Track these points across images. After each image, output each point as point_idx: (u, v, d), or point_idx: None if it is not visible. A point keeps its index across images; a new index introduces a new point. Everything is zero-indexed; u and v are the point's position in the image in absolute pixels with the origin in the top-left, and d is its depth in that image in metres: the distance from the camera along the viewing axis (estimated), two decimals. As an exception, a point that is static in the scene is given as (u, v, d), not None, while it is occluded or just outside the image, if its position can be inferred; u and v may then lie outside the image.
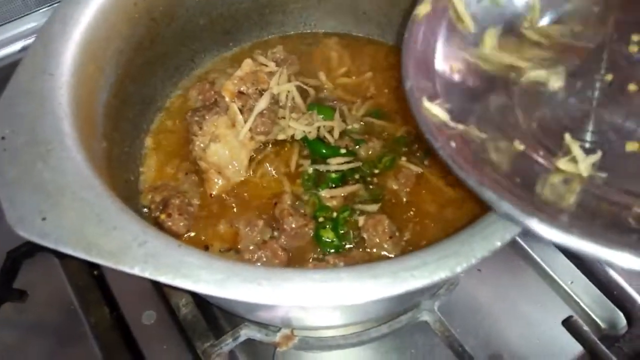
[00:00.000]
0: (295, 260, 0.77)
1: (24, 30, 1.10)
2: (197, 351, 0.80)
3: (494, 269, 0.93)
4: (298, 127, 0.86)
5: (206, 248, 0.79)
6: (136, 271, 0.51)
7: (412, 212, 0.80)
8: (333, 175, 0.84)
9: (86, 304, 0.91)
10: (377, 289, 0.51)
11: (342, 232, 0.78)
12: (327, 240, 0.78)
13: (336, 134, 0.87)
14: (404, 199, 0.82)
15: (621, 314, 0.86)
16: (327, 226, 0.79)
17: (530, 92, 0.67)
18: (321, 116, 0.88)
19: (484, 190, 0.53)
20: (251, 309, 0.74)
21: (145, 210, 0.82)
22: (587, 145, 0.60)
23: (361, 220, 0.78)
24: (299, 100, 0.90)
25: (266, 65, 0.92)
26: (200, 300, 0.85)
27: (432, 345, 0.85)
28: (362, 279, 0.51)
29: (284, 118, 0.87)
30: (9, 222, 0.54)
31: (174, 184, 0.85)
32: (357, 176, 0.84)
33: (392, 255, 0.76)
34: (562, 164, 0.58)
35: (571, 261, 0.91)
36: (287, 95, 0.89)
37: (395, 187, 0.83)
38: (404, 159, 0.85)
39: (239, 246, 0.77)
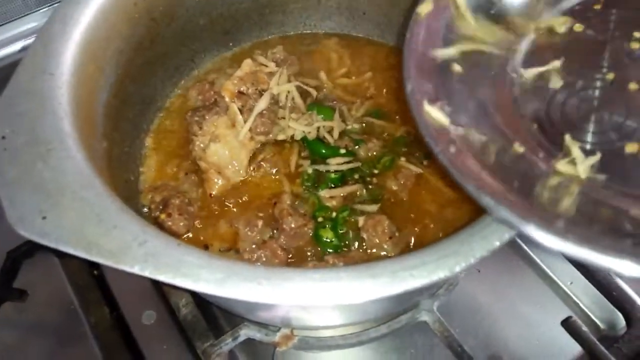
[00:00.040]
0: (294, 260, 0.77)
1: (24, 30, 1.10)
2: (197, 351, 0.80)
3: (494, 270, 0.93)
4: (298, 127, 0.87)
5: (206, 248, 0.79)
6: (136, 270, 0.51)
7: (411, 212, 0.80)
8: (333, 175, 0.84)
9: (86, 304, 0.91)
10: (376, 289, 0.51)
11: (341, 232, 0.79)
12: (327, 240, 0.78)
13: (336, 134, 0.87)
14: (404, 199, 0.82)
15: (620, 315, 0.86)
16: (327, 226, 0.79)
17: (530, 93, 0.67)
18: (321, 116, 0.89)
19: (481, 196, 0.53)
20: (251, 308, 0.74)
21: (146, 210, 0.82)
22: (588, 146, 0.60)
23: (361, 221, 0.78)
24: (298, 100, 0.90)
25: (266, 66, 0.92)
26: (200, 300, 0.85)
27: (431, 346, 0.85)
28: (361, 279, 0.51)
29: (283, 118, 0.87)
30: (9, 221, 0.54)
31: (174, 183, 0.85)
32: (356, 176, 0.84)
33: (392, 256, 0.76)
34: (561, 165, 0.58)
35: (570, 262, 0.91)
36: (287, 96, 0.89)
37: (394, 187, 0.83)
38: (403, 159, 0.85)
39: (238, 246, 0.77)
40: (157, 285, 0.89)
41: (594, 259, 0.47)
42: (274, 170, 0.86)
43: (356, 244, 0.78)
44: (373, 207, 0.80)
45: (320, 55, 1.02)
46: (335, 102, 0.93)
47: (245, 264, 0.54)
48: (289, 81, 0.91)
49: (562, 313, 0.86)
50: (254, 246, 0.77)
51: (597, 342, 0.78)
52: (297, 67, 0.98)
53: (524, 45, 0.71)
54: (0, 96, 0.64)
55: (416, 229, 0.79)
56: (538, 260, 0.94)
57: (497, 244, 0.54)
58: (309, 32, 1.08)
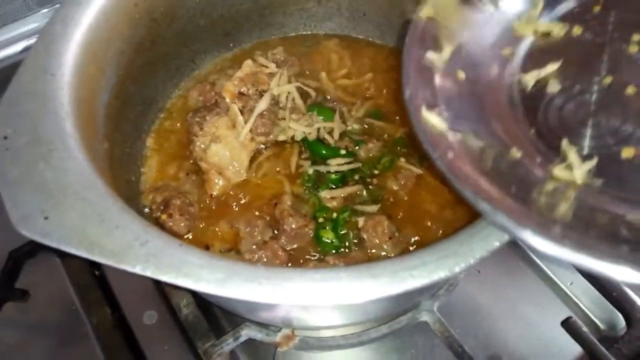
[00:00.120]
0: (295, 260, 0.77)
1: (26, 30, 1.11)
2: (198, 351, 0.80)
3: (494, 270, 0.93)
4: (298, 128, 0.87)
5: (207, 248, 0.79)
6: (138, 270, 0.51)
7: (411, 213, 0.81)
8: (333, 176, 0.84)
9: (88, 304, 0.91)
10: (376, 289, 0.51)
11: (342, 232, 0.79)
12: (327, 240, 0.78)
13: (336, 135, 0.87)
14: (404, 200, 0.82)
15: (620, 315, 0.87)
16: (327, 227, 0.79)
17: (528, 98, 0.67)
18: (321, 117, 0.89)
19: (479, 202, 0.53)
20: (252, 308, 0.74)
21: (147, 210, 0.82)
22: (585, 151, 0.60)
23: (361, 221, 0.79)
24: (299, 101, 0.90)
25: (266, 67, 0.92)
26: (201, 301, 0.86)
27: (432, 346, 0.85)
28: (362, 279, 0.52)
29: (284, 119, 0.88)
30: (11, 221, 0.54)
31: (175, 184, 0.85)
32: (356, 177, 0.84)
33: (392, 256, 0.76)
34: (558, 171, 0.58)
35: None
36: (287, 97, 0.90)
37: (394, 187, 0.83)
38: (403, 160, 0.85)
39: (239, 246, 0.77)
40: (159, 285, 0.90)
41: (590, 265, 0.47)
42: (274, 171, 0.86)
43: (356, 244, 0.78)
44: (373, 208, 0.81)
45: (321, 56, 1.03)
46: (335, 103, 0.93)
47: (246, 264, 0.54)
48: (290, 82, 0.91)
49: (562, 313, 0.86)
50: (254, 247, 0.77)
51: (597, 343, 0.78)
52: (297, 68, 0.98)
53: (522, 49, 0.71)
54: (2, 96, 0.64)
55: (416, 229, 0.79)
56: (538, 261, 0.94)
57: (497, 244, 0.54)
58: (309, 33, 1.08)
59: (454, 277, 0.87)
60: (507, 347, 0.86)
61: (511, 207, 0.53)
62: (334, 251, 0.78)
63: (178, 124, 0.93)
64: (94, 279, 0.95)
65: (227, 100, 0.87)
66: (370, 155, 0.86)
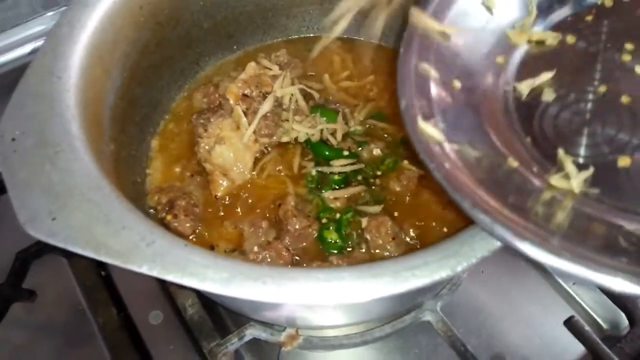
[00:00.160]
0: (299, 260, 0.78)
1: (33, 33, 1.11)
2: (204, 351, 0.81)
3: (496, 270, 0.93)
4: (301, 129, 0.87)
5: (211, 248, 0.80)
6: (144, 270, 0.52)
7: (414, 213, 0.81)
8: (336, 177, 0.84)
9: (94, 305, 0.92)
10: (379, 288, 0.52)
11: (345, 233, 0.79)
12: (331, 241, 0.78)
13: (339, 136, 0.88)
14: (406, 200, 0.83)
15: (623, 315, 0.87)
16: (331, 227, 0.79)
17: (523, 107, 0.67)
18: (324, 119, 0.89)
19: (476, 213, 0.53)
20: (256, 308, 0.75)
21: (152, 211, 0.83)
22: (581, 160, 0.60)
23: (364, 222, 0.79)
24: (302, 103, 0.91)
25: (270, 69, 0.93)
26: (206, 301, 0.86)
27: (435, 346, 0.86)
28: (364, 278, 0.52)
29: (287, 121, 0.88)
30: (19, 222, 0.55)
31: (179, 185, 0.86)
32: (359, 178, 0.85)
33: (395, 256, 0.77)
34: (555, 180, 0.58)
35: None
36: (290, 98, 0.90)
37: (397, 188, 0.83)
38: (405, 161, 0.86)
39: (243, 247, 0.78)
40: (164, 285, 0.90)
41: (589, 276, 0.47)
42: (278, 172, 0.87)
43: (360, 244, 0.79)
44: (376, 208, 0.81)
45: (323, 59, 1.03)
46: (338, 104, 0.94)
47: (251, 264, 0.55)
48: (293, 84, 0.92)
49: (564, 313, 0.86)
50: (258, 247, 0.77)
51: (600, 342, 0.78)
52: (300, 70, 0.99)
53: (516, 58, 0.71)
54: (10, 99, 0.65)
55: (419, 229, 0.79)
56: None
57: (498, 244, 0.54)
58: (312, 35, 1.09)
59: (457, 276, 0.88)
60: (509, 347, 0.86)
61: (509, 218, 0.53)
62: (337, 251, 0.78)
63: (182, 126, 0.94)
64: (100, 280, 0.95)
65: (231, 102, 0.87)
66: (373, 156, 0.87)
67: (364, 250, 0.78)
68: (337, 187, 0.84)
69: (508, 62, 0.71)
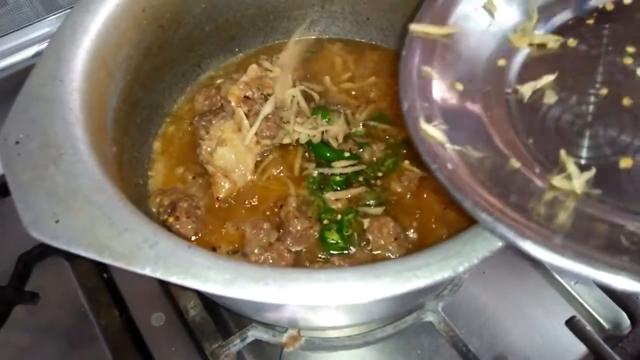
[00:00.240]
0: (300, 261, 0.78)
1: (36, 36, 1.11)
2: (206, 352, 0.81)
3: (498, 270, 0.94)
4: (303, 131, 0.88)
5: (213, 250, 0.80)
6: (147, 272, 0.52)
7: (415, 214, 0.81)
8: (337, 178, 0.85)
9: (96, 306, 0.92)
10: (380, 289, 0.52)
11: (346, 234, 0.79)
12: (332, 242, 0.79)
13: (340, 137, 0.88)
14: (408, 201, 0.83)
15: (625, 315, 0.87)
16: (332, 228, 0.79)
17: (525, 109, 0.67)
18: (325, 120, 0.90)
19: (479, 213, 0.53)
20: (258, 309, 0.75)
21: (154, 213, 0.83)
22: (583, 161, 0.61)
23: (366, 223, 0.79)
24: (303, 104, 0.91)
25: (271, 71, 0.93)
26: (208, 302, 0.86)
27: (437, 346, 0.86)
28: (366, 279, 0.52)
29: (288, 122, 0.89)
30: (23, 224, 0.55)
31: (181, 187, 0.86)
32: (361, 179, 0.85)
33: (396, 257, 0.77)
34: (557, 181, 0.58)
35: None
36: (292, 100, 0.91)
37: (399, 189, 0.84)
38: (406, 161, 0.86)
39: (245, 248, 0.78)
40: (166, 287, 0.91)
41: (591, 274, 0.48)
42: (279, 174, 0.87)
43: (362, 245, 0.79)
44: (378, 210, 0.81)
45: (325, 60, 1.03)
46: (339, 106, 0.94)
47: (253, 265, 0.55)
48: (294, 86, 0.92)
49: (566, 313, 0.86)
50: (260, 248, 0.78)
51: (602, 342, 0.79)
52: (301, 71, 0.99)
53: (518, 61, 0.72)
54: (14, 102, 0.65)
55: (420, 230, 0.80)
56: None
57: (500, 244, 0.54)
58: (313, 37, 1.09)
59: (459, 277, 0.88)
60: (511, 347, 0.86)
61: (511, 217, 0.53)
62: (339, 252, 0.78)
63: (184, 128, 0.94)
64: (102, 282, 0.95)
65: (233, 104, 0.88)
66: (374, 157, 0.87)
67: (365, 251, 0.79)
68: (338, 188, 0.84)
69: (510, 65, 0.71)
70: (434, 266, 0.53)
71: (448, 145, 0.61)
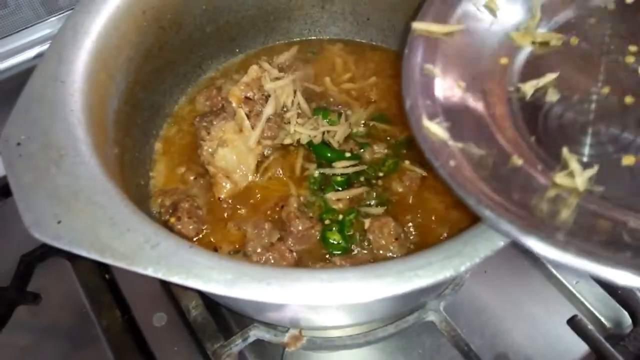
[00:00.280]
0: (302, 261, 0.78)
1: (37, 37, 1.12)
2: (207, 352, 0.81)
3: (499, 270, 0.94)
4: (304, 131, 0.88)
5: (215, 250, 0.80)
6: (149, 272, 0.52)
7: (417, 214, 0.81)
8: (338, 178, 0.85)
9: (98, 307, 0.92)
10: (382, 288, 0.52)
11: (348, 234, 0.80)
12: (334, 242, 0.79)
13: (341, 137, 0.88)
14: (409, 201, 0.83)
15: (626, 313, 0.87)
16: (334, 228, 0.80)
17: (528, 107, 0.67)
18: (326, 120, 0.90)
19: (482, 209, 0.53)
20: (260, 309, 0.75)
21: (155, 213, 0.83)
22: (585, 159, 0.61)
23: (367, 223, 0.79)
24: (304, 105, 0.91)
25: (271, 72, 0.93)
26: (209, 303, 0.86)
27: (438, 346, 0.86)
28: (368, 279, 0.52)
29: (289, 123, 0.89)
30: (25, 225, 0.55)
31: (183, 188, 0.86)
32: (362, 179, 0.85)
33: (398, 256, 0.77)
34: (559, 178, 0.58)
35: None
36: (292, 101, 0.91)
37: (400, 189, 0.84)
38: (407, 161, 0.86)
39: (247, 248, 0.78)
40: (168, 287, 0.91)
41: (593, 270, 0.48)
42: (280, 174, 0.87)
43: (363, 245, 0.79)
44: (379, 209, 0.81)
45: (325, 61, 1.04)
46: (340, 106, 0.94)
47: (255, 265, 0.55)
48: (295, 87, 0.92)
49: (568, 312, 0.87)
50: (261, 248, 0.78)
51: (603, 341, 0.79)
52: (302, 72, 0.99)
53: (520, 59, 0.72)
54: (15, 103, 0.65)
55: (422, 230, 0.80)
56: (543, 260, 0.95)
57: (502, 244, 0.54)
58: (313, 38, 1.09)
59: (460, 276, 0.88)
60: (513, 346, 0.86)
61: (514, 213, 0.53)
62: (340, 252, 0.79)
63: (185, 129, 0.95)
64: (104, 282, 0.96)
65: (234, 104, 0.88)
66: (375, 157, 0.87)
67: (366, 251, 0.79)
68: (339, 189, 0.84)
69: (512, 63, 0.71)
70: (436, 266, 0.53)
71: (451, 143, 0.61)
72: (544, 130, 0.65)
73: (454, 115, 0.65)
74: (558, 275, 0.93)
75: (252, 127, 0.86)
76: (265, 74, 0.91)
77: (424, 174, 0.85)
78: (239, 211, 0.84)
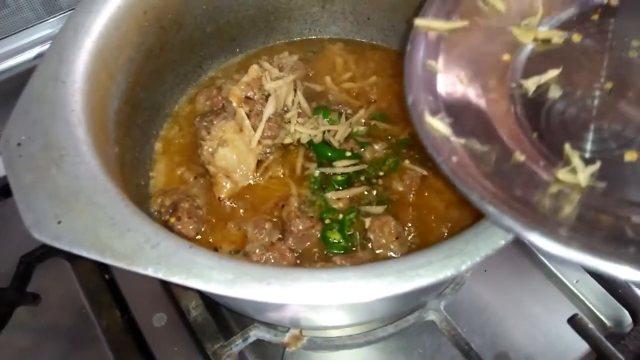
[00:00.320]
0: (302, 261, 0.78)
1: (38, 38, 1.11)
2: (208, 352, 0.81)
3: (500, 269, 0.94)
4: (304, 131, 0.88)
5: (215, 250, 0.80)
6: (150, 272, 0.52)
7: (417, 213, 0.81)
8: (339, 177, 0.85)
9: (98, 307, 0.92)
10: (383, 288, 0.52)
11: (348, 233, 0.80)
12: (334, 241, 0.79)
13: (341, 137, 0.88)
14: (409, 200, 0.83)
15: (626, 312, 0.87)
16: (334, 228, 0.80)
17: (530, 103, 0.67)
18: (327, 120, 0.90)
19: (485, 205, 0.54)
20: (260, 309, 0.75)
21: (155, 213, 0.83)
22: (587, 155, 0.61)
23: (367, 222, 0.79)
24: (304, 105, 0.91)
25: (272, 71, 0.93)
26: (209, 303, 0.86)
27: (439, 345, 0.86)
28: (368, 278, 0.52)
29: (290, 122, 0.89)
30: (25, 225, 0.55)
31: (183, 187, 0.86)
32: (362, 178, 0.85)
33: (398, 256, 0.77)
34: (562, 174, 0.58)
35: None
36: (293, 100, 0.91)
37: (400, 188, 0.84)
38: (407, 161, 0.86)
39: (247, 248, 0.78)
40: (167, 288, 0.91)
41: (596, 265, 0.48)
42: (281, 174, 0.87)
43: (363, 244, 0.79)
44: (379, 209, 0.81)
45: (325, 60, 1.04)
46: (340, 106, 0.94)
47: (255, 265, 0.55)
48: (295, 86, 0.92)
49: (568, 311, 0.87)
50: (262, 248, 0.78)
51: (604, 339, 0.79)
52: (302, 72, 0.99)
53: (522, 56, 0.72)
54: (16, 103, 0.65)
55: (422, 229, 0.80)
56: (544, 259, 0.95)
57: (502, 242, 0.54)
58: (314, 37, 1.10)
59: (461, 276, 0.88)
60: (513, 345, 0.86)
61: (517, 209, 0.53)
62: (340, 252, 0.79)
63: (186, 129, 0.94)
64: (104, 283, 0.96)
65: (234, 104, 0.88)
66: (375, 156, 0.87)
67: (367, 251, 0.79)
68: (340, 188, 0.84)
69: (514, 60, 0.71)
70: (437, 265, 0.53)
71: (453, 139, 0.61)
72: (546, 126, 0.65)
73: (457, 111, 0.65)
74: (558, 274, 0.93)
75: (253, 127, 0.85)
76: (265, 73, 0.91)
77: (425, 173, 0.85)
78: (239, 211, 0.84)
